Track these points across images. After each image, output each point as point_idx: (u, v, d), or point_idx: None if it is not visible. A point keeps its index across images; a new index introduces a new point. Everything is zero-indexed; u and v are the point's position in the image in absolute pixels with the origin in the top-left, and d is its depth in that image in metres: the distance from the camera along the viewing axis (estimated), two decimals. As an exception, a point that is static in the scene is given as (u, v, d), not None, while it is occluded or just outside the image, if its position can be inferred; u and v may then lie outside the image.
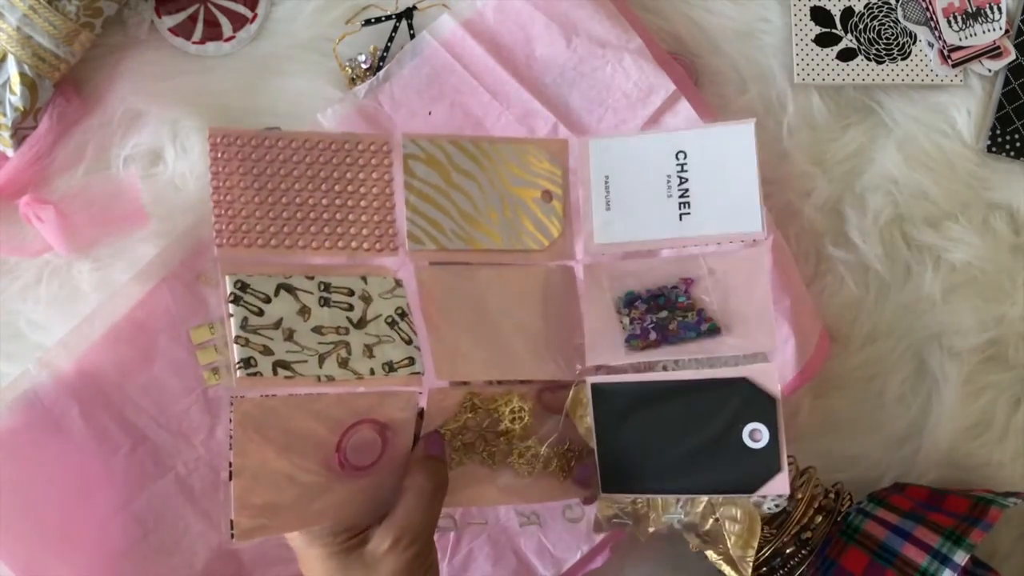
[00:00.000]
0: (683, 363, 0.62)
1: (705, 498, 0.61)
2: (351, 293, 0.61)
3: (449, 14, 0.75)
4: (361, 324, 0.61)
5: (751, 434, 0.59)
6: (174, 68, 0.76)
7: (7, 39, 0.70)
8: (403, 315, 0.62)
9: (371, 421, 0.59)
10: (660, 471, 0.60)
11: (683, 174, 0.64)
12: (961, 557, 0.62)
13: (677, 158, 0.64)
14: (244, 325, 0.58)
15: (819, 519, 0.66)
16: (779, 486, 0.58)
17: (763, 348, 0.60)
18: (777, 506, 0.62)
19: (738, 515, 0.60)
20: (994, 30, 0.79)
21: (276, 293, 0.59)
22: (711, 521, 0.61)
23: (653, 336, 0.63)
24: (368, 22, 0.77)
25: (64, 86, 0.74)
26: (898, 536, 0.64)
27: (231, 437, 0.56)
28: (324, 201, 0.62)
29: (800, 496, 0.66)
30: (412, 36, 0.77)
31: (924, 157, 0.79)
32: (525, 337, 0.64)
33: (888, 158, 0.79)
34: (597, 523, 0.65)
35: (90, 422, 0.70)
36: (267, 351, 0.58)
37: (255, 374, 0.57)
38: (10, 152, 0.73)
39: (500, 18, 0.75)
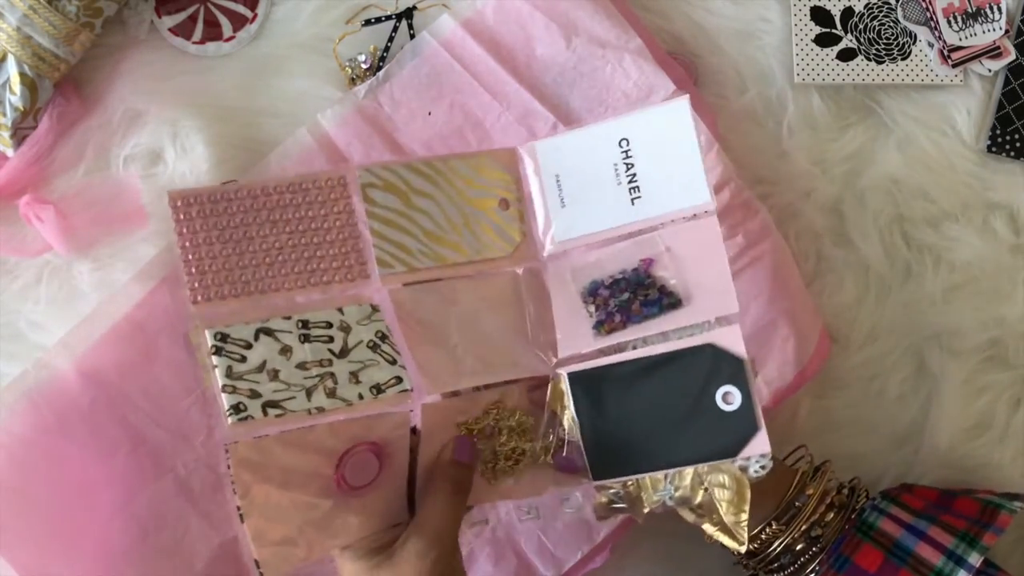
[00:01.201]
0: (651, 339, 0.63)
1: (691, 470, 0.61)
2: (329, 326, 0.63)
3: (449, 14, 0.75)
4: (343, 353, 0.63)
5: (724, 397, 0.60)
6: (174, 68, 0.76)
7: (7, 39, 0.70)
8: (384, 338, 0.64)
9: (365, 443, 0.61)
10: (644, 449, 0.61)
11: (628, 160, 0.65)
12: (976, 559, 0.62)
13: (620, 145, 0.66)
14: (229, 373, 0.60)
15: (831, 515, 0.65)
16: (759, 445, 0.58)
17: (726, 312, 0.61)
18: (763, 468, 0.60)
19: (726, 482, 0.60)
20: (994, 30, 0.79)
21: (256, 338, 0.61)
22: (701, 492, 0.61)
23: (618, 318, 0.64)
24: (368, 22, 0.77)
25: (64, 86, 0.74)
26: (913, 535, 0.64)
27: (232, 482, 0.59)
28: (291, 242, 0.64)
29: (811, 492, 0.65)
30: (412, 36, 0.77)
31: (924, 157, 0.79)
32: (503, 340, 0.66)
33: (888, 158, 0.79)
34: (598, 513, 0.65)
35: (89, 423, 0.69)
36: (254, 394, 0.60)
37: (246, 418, 0.59)
38: (10, 152, 0.73)
39: (500, 18, 0.75)
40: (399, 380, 0.63)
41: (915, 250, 0.79)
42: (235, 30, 0.77)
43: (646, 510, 0.63)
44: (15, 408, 0.69)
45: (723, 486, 0.60)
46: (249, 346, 0.61)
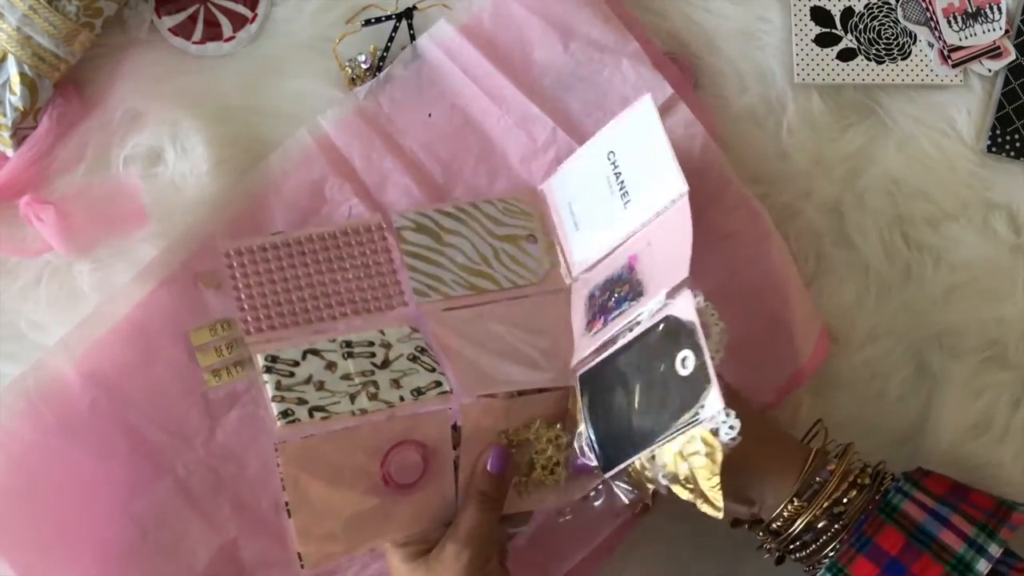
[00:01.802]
0: (635, 326, 0.65)
1: (671, 445, 0.61)
2: (371, 344, 0.69)
3: (446, 19, 0.75)
4: (385, 365, 0.68)
5: (682, 363, 0.60)
6: (174, 68, 0.76)
7: (7, 39, 0.70)
8: (423, 351, 0.69)
9: (410, 442, 0.65)
10: (636, 433, 0.63)
11: (617, 170, 0.70)
12: (995, 550, 0.63)
13: (609, 158, 0.70)
14: (278, 387, 0.66)
15: (854, 493, 0.65)
16: (713, 403, 0.58)
17: (677, 281, 0.62)
18: (732, 428, 0.58)
19: (702, 450, 0.60)
20: (994, 30, 0.79)
21: (303, 357, 0.68)
22: (684, 466, 0.61)
23: (599, 318, 0.68)
24: (368, 22, 0.77)
25: (64, 86, 0.74)
26: (936, 520, 0.64)
27: (282, 479, 0.63)
28: (333, 279, 0.71)
29: (833, 468, 0.65)
30: (412, 37, 0.77)
31: (924, 157, 0.79)
32: (533, 355, 0.70)
33: (888, 158, 0.79)
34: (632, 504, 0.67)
35: (89, 424, 0.69)
36: (302, 401, 0.66)
37: (293, 421, 0.65)
38: (10, 152, 0.73)
39: (497, 23, 0.75)
40: (438, 384, 0.68)
41: (915, 250, 0.79)
42: (235, 30, 0.77)
43: (651, 488, 0.64)
44: (15, 409, 0.69)
45: (699, 454, 0.60)
46: (297, 364, 0.67)
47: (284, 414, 0.65)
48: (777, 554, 0.68)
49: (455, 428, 0.67)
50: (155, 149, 0.75)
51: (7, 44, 0.70)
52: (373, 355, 0.68)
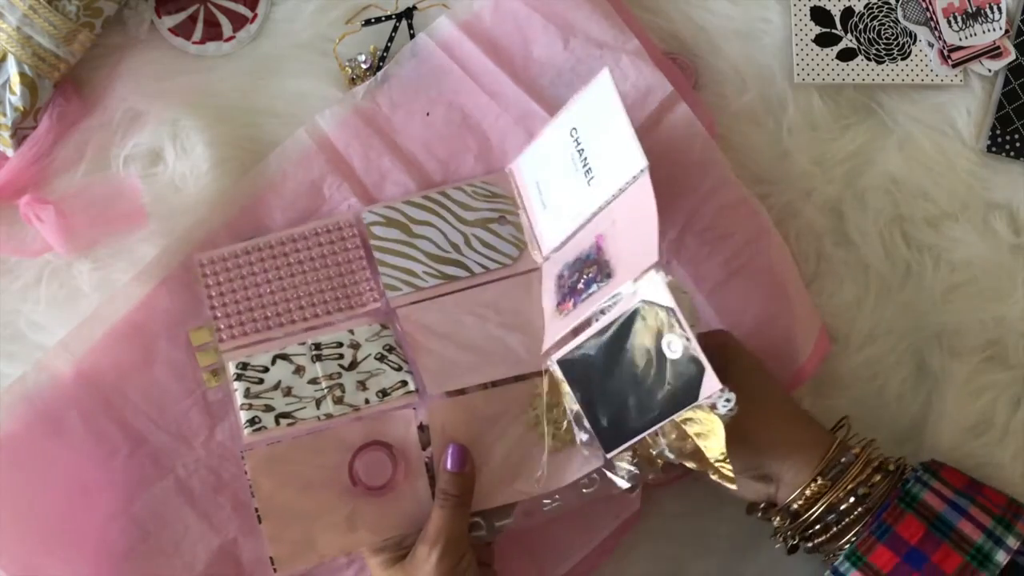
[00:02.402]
0: (608, 309, 0.65)
1: (670, 423, 0.62)
2: (340, 345, 0.70)
3: (447, 16, 0.75)
4: (352, 366, 0.69)
5: (669, 347, 0.61)
6: (174, 68, 0.76)
7: (7, 39, 0.70)
8: (391, 349, 0.70)
9: (375, 443, 0.67)
10: (633, 414, 0.63)
11: (580, 147, 0.70)
12: (1013, 542, 0.63)
13: (572, 135, 0.70)
14: (247, 394, 0.68)
15: (878, 478, 0.65)
16: (709, 385, 0.59)
17: (646, 265, 0.61)
18: (729, 401, 0.60)
19: (703, 425, 0.62)
20: (994, 30, 0.79)
21: (273, 363, 0.69)
22: (688, 440, 0.63)
23: (569, 299, 0.68)
24: (368, 22, 0.77)
25: (64, 86, 0.74)
26: (955, 511, 0.64)
27: (250, 485, 0.66)
28: (305, 281, 0.71)
29: (857, 451, 0.66)
30: (412, 36, 0.77)
31: (924, 157, 0.79)
32: (508, 340, 0.70)
33: (888, 158, 0.79)
34: (640, 476, 0.67)
35: (90, 425, 0.69)
36: (269, 408, 0.68)
37: (260, 429, 0.67)
38: (10, 152, 0.73)
39: (497, 20, 0.75)
40: (404, 383, 0.69)
41: (915, 250, 0.79)
42: (235, 30, 0.77)
43: (660, 462, 0.65)
44: (15, 410, 0.69)
45: (701, 431, 0.62)
46: (266, 370, 0.69)
47: (251, 422, 0.67)
48: (792, 541, 0.67)
49: (422, 428, 0.68)
50: (155, 149, 0.75)
51: (7, 44, 0.70)
52: (341, 356, 0.69)
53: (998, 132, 0.79)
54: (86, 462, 0.69)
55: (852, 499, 0.64)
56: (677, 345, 0.60)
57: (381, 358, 0.69)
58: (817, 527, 0.65)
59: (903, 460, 0.68)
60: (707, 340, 0.60)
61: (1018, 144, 0.79)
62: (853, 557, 0.63)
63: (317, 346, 0.69)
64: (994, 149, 0.79)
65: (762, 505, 0.68)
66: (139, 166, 0.74)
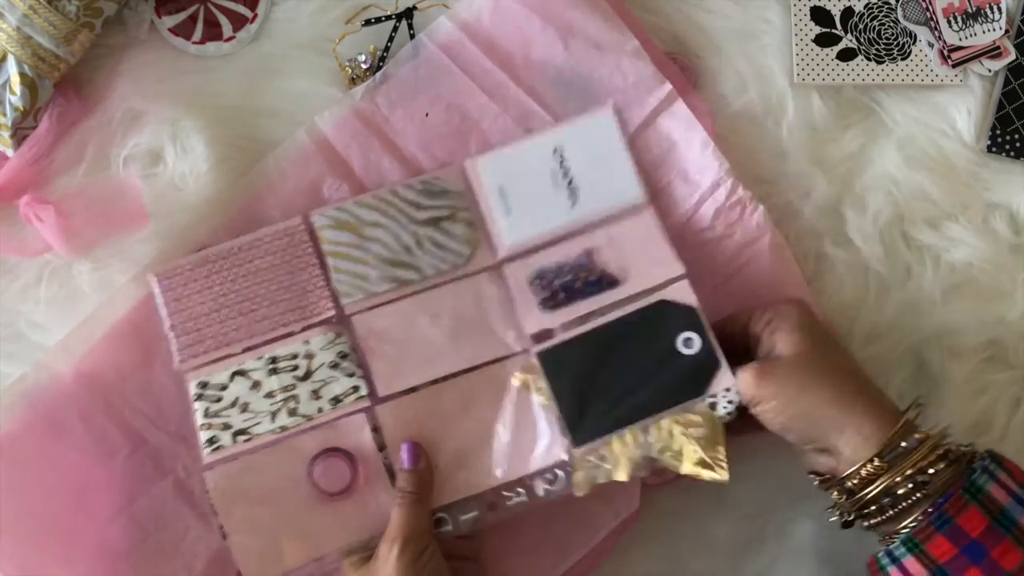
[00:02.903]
0: (605, 310, 0.69)
1: (666, 420, 0.66)
2: (295, 356, 0.70)
3: (446, 17, 0.75)
4: (307, 376, 0.69)
5: (684, 343, 0.67)
6: (174, 68, 0.76)
7: (7, 39, 0.70)
8: (344, 356, 0.70)
9: (332, 450, 0.68)
10: (621, 407, 0.66)
11: (564, 167, 0.73)
12: None
13: (555, 154, 0.73)
14: (207, 413, 0.68)
15: (942, 466, 0.63)
16: (723, 380, 0.66)
17: (673, 275, 0.70)
18: (731, 403, 0.65)
19: (700, 422, 0.66)
20: (994, 30, 0.79)
21: (231, 379, 0.69)
22: (678, 438, 0.65)
23: (562, 295, 0.70)
24: (368, 22, 0.77)
25: (64, 86, 0.74)
26: (1020, 505, 0.62)
27: (212, 504, 0.67)
28: (261, 291, 0.71)
29: (921, 436, 0.63)
30: (412, 36, 0.77)
31: (924, 157, 0.79)
32: (458, 338, 0.71)
33: (888, 158, 0.79)
34: (578, 488, 0.67)
35: (89, 425, 0.70)
36: (227, 427, 0.68)
37: (218, 448, 0.68)
38: (10, 152, 0.73)
39: (497, 20, 0.75)
40: (356, 389, 0.69)
41: (915, 250, 0.79)
42: (235, 30, 0.77)
43: (630, 469, 0.66)
44: (14, 411, 0.69)
45: (698, 426, 0.66)
46: (225, 387, 0.69)
47: (210, 442, 0.68)
48: (847, 517, 0.66)
49: (376, 430, 0.69)
50: (155, 149, 0.75)
51: (7, 44, 0.70)
52: (296, 367, 0.69)
53: (998, 132, 0.79)
54: (86, 462, 0.69)
55: (911, 485, 0.62)
56: (695, 342, 0.67)
57: (335, 365, 0.69)
58: (872, 508, 0.64)
59: (972, 448, 0.65)
60: (781, 308, 0.65)
61: (1018, 144, 0.79)
62: (910, 543, 0.61)
63: (274, 359, 0.69)
64: (994, 149, 0.79)
65: (824, 475, 0.67)
66: (139, 166, 0.74)
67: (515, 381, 0.69)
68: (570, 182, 0.72)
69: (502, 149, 0.74)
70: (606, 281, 0.70)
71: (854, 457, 0.63)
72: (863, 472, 0.63)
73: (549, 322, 0.70)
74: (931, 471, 0.62)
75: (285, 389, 0.69)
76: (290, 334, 0.70)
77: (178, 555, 0.69)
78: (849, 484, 0.64)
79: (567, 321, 0.70)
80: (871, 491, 0.63)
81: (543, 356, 0.69)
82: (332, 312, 0.70)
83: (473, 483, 0.69)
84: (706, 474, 0.66)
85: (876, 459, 0.63)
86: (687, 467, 0.66)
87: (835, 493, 0.65)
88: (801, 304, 0.69)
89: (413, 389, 0.70)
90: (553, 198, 0.72)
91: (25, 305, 0.74)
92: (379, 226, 0.72)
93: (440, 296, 0.71)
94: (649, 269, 0.70)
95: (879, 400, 0.66)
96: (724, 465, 0.66)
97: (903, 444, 0.63)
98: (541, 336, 0.70)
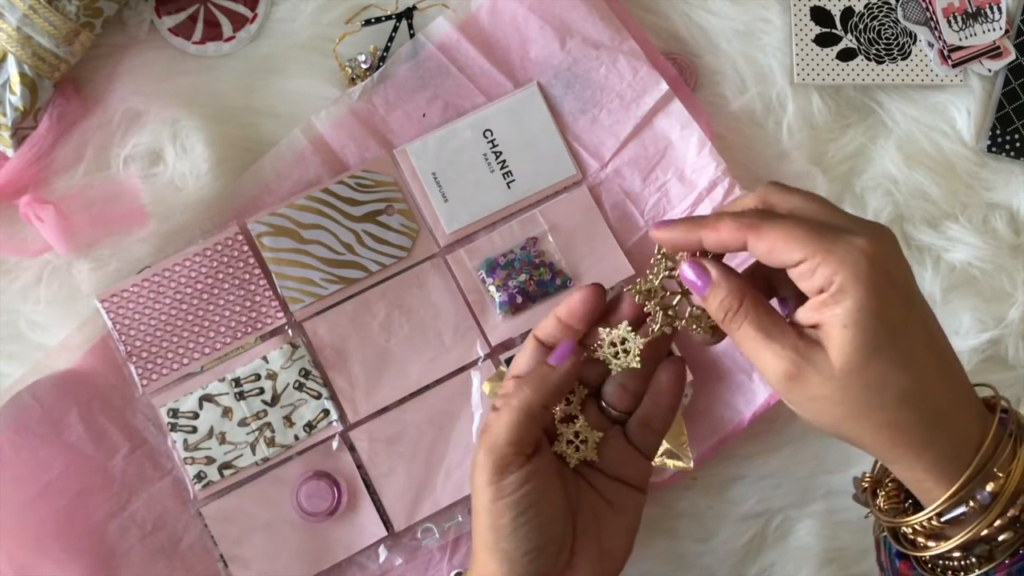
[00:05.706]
0: None
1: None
2: (258, 378, 0.70)
3: (444, 17, 0.75)
4: (275, 401, 0.70)
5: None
6: (174, 68, 0.76)
7: (7, 39, 0.70)
8: (307, 374, 0.70)
9: (314, 474, 0.69)
10: None
11: (496, 149, 0.73)
12: None
13: (485, 136, 0.74)
14: (186, 446, 0.69)
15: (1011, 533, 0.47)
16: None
17: (625, 275, 0.71)
18: (686, 395, 0.66)
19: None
20: (994, 30, 0.79)
21: (200, 406, 0.70)
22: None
23: (519, 300, 0.72)
24: (368, 22, 0.77)
25: (64, 86, 0.74)
26: None
27: (211, 536, 0.69)
28: (211, 307, 0.71)
29: (995, 490, 0.46)
30: (412, 36, 0.77)
31: (924, 157, 0.79)
32: (423, 341, 0.72)
33: (888, 158, 0.79)
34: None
35: (89, 425, 0.70)
36: (210, 460, 0.69)
37: (208, 484, 0.69)
38: (10, 152, 0.73)
39: (495, 20, 0.75)
40: (326, 413, 0.70)
41: (915, 250, 0.79)
42: (235, 30, 0.77)
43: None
44: (13, 411, 0.69)
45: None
46: (196, 415, 0.69)
47: (198, 477, 0.69)
48: (882, 533, 0.54)
49: (353, 449, 0.71)
50: (155, 149, 0.75)
51: (7, 44, 0.70)
52: (262, 391, 0.70)
53: (998, 132, 0.79)
54: (85, 462, 0.69)
55: (1013, 529, 0.47)
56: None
57: (299, 386, 0.70)
58: (957, 554, 0.49)
59: None
60: (851, 266, 0.45)
61: (1018, 144, 0.79)
62: None
63: (237, 381, 0.70)
64: (994, 149, 0.79)
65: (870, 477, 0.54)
66: (139, 166, 0.74)
67: (485, 388, 0.71)
68: (503, 163, 0.73)
69: (430, 134, 0.74)
70: (557, 282, 0.72)
71: (908, 487, 0.50)
72: (924, 524, 0.49)
73: (509, 331, 0.72)
74: (1003, 535, 0.47)
75: (257, 416, 0.70)
76: (245, 346, 0.71)
77: (178, 555, 0.69)
78: (909, 528, 0.51)
79: (528, 329, 0.70)
80: (963, 538, 0.48)
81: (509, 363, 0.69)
82: (283, 320, 0.71)
83: (453, 491, 0.70)
84: (672, 463, 0.68)
85: (937, 518, 0.48)
86: (654, 459, 0.63)
87: (873, 512, 0.53)
88: (884, 259, 0.46)
89: (384, 409, 0.71)
90: (488, 180, 0.73)
91: (25, 305, 0.73)
92: (318, 227, 0.72)
93: (388, 292, 0.72)
94: (596, 264, 0.72)
95: (958, 428, 0.48)
96: (689, 454, 0.69)
97: (972, 503, 0.47)
98: (506, 344, 0.72)
